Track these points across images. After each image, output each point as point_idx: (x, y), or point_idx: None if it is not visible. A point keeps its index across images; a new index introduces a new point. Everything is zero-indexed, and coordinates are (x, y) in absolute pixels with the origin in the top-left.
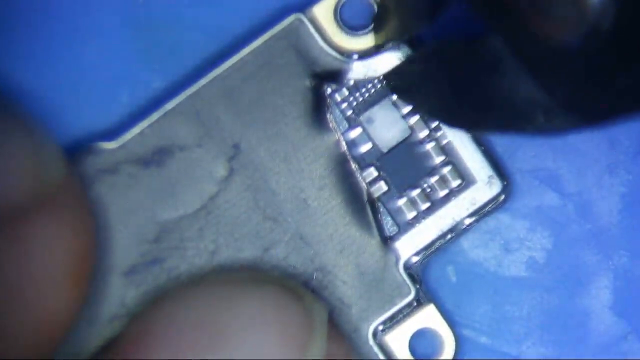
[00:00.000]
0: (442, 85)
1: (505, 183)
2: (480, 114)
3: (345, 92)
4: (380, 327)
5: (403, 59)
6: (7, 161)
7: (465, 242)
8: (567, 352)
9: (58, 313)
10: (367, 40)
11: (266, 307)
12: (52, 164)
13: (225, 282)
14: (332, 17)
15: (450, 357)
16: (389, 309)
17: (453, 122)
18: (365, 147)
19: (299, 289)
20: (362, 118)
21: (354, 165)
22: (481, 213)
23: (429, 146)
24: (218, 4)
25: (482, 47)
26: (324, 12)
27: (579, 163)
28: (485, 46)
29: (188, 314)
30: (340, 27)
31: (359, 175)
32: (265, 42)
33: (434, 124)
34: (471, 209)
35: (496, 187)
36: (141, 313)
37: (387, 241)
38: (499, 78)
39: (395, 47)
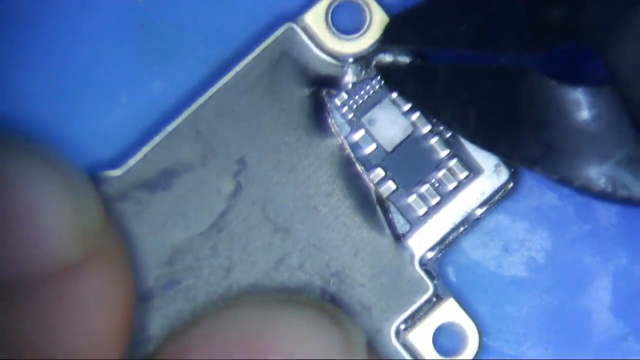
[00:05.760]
0: (469, 108)
1: (512, 170)
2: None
3: (345, 95)
4: (402, 326)
5: (418, 72)
6: (48, 213)
7: (465, 243)
8: (567, 352)
9: None
10: (360, 43)
11: (307, 328)
12: (91, 207)
13: (262, 303)
14: (324, 23)
15: (475, 350)
16: (409, 307)
17: (482, 144)
18: (369, 149)
19: (338, 313)
20: (363, 120)
21: (360, 168)
22: (491, 202)
23: (433, 141)
24: (214, 5)
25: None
26: (315, 18)
27: None
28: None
29: (228, 331)
30: (333, 32)
31: (366, 176)
32: (259, 54)
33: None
34: (481, 199)
35: (504, 175)
36: (178, 333)
37: (400, 239)
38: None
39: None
